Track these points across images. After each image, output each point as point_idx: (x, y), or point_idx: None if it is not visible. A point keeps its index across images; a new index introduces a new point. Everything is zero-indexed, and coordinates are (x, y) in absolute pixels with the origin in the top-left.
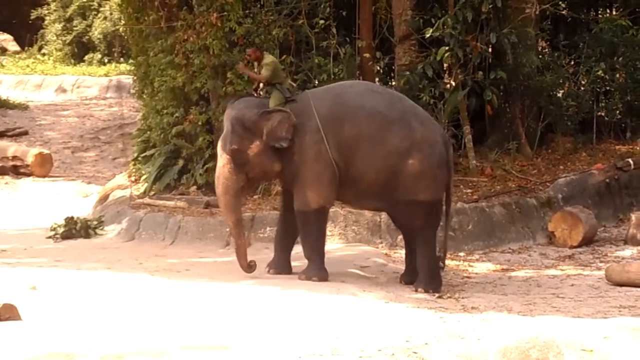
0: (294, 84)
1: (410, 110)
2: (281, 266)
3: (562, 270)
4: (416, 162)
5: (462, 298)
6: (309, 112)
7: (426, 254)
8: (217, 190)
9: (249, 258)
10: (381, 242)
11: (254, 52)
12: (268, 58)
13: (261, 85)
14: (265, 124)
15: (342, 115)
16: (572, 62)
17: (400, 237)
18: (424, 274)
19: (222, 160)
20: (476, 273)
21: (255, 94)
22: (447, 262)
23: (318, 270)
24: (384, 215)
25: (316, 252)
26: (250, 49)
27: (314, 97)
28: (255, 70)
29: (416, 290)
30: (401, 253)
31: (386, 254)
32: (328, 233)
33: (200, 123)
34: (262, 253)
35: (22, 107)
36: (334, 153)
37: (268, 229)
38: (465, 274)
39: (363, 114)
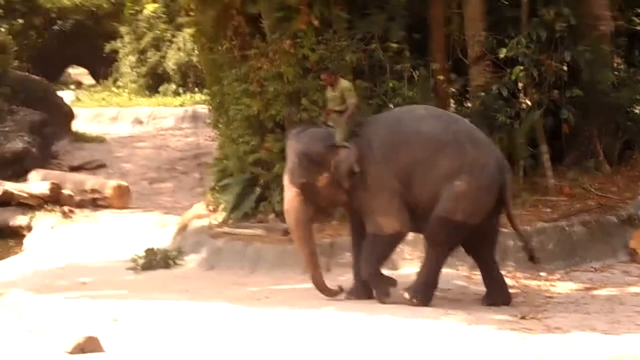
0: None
1: (466, 132)
2: (361, 292)
3: None
4: (463, 184)
5: (545, 318)
6: (369, 142)
7: (430, 268)
8: (289, 223)
9: (329, 284)
10: (461, 265)
11: (328, 77)
12: (345, 83)
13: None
14: (332, 158)
15: (397, 143)
16: None
17: None
18: (419, 282)
19: (291, 193)
20: (558, 293)
21: (323, 123)
22: (529, 282)
23: (384, 294)
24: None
25: (375, 275)
26: (324, 74)
27: (373, 126)
28: (329, 94)
29: (402, 295)
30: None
31: (466, 276)
32: (408, 257)
33: (276, 150)
34: (342, 279)
35: (99, 140)
36: (396, 181)
37: (347, 254)
38: (547, 294)
39: (417, 139)
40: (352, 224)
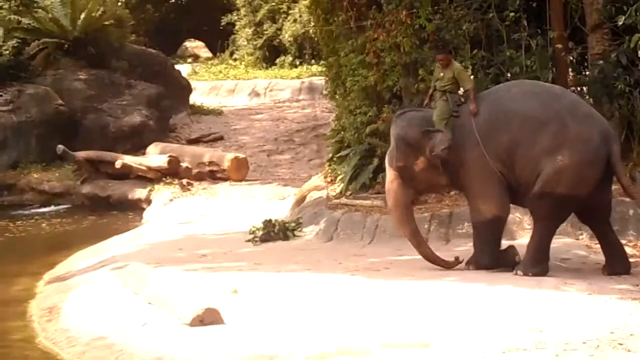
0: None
1: (568, 108)
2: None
3: None
4: (565, 159)
5: None
6: (469, 126)
7: (538, 241)
8: (389, 203)
9: (448, 256)
10: (581, 234)
11: (444, 58)
12: (458, 65)
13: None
14: (427, 142)
15: (497, 124)
16: None
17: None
18: (528, 257)
19: (390, 175)
20: None
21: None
22: None
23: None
24: None
25: (495, 262)
26: (440, 54)
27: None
28: (440, 75)
29: (515, 273)
30: None
31: (587, 245)
32: (527, 227)
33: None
34: (461, 250)
35: (216, 113)
36: (496, 163)
37: (466, 224)
38: None
39: (516, 119)
40: None
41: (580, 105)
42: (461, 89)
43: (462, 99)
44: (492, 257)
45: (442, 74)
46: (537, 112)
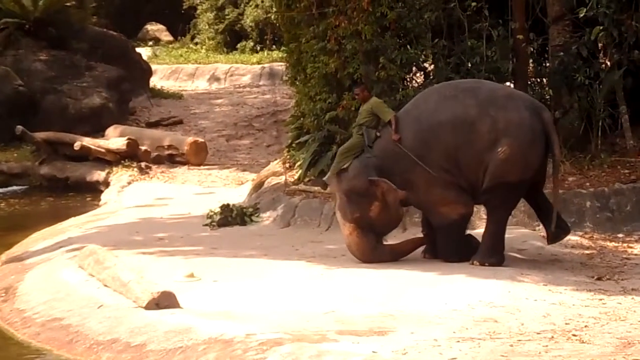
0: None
1: (487, 100)
2: (435, 251)
3: None
4: (506, 148)
5: (622, 280)
6: (400, 152)
7: (493, 231)
8: (357, 257)
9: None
10: (538, 225)
11: (361, 92)
12: (374, 99)
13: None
14: (376, 189)
15: (427, 142)
16: None
17: None
18: (484, 247)
19: (348, 229)
20: (635, 254)
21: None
22: (606, 244)
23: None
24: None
25: (461, 257)
26: (357, 88)
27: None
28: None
29: (472, 263)
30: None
31: (543, 236)
32: (484, 216)
33: (353, 108)
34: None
35: (176, 97)
36: (440, 172)
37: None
38: (624, 256)
39: (445, 129)
40: None
41: (498, 91)
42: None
43: (378, 134)
44: (459, 255)
45: (361, 109)
46: (461, 113)
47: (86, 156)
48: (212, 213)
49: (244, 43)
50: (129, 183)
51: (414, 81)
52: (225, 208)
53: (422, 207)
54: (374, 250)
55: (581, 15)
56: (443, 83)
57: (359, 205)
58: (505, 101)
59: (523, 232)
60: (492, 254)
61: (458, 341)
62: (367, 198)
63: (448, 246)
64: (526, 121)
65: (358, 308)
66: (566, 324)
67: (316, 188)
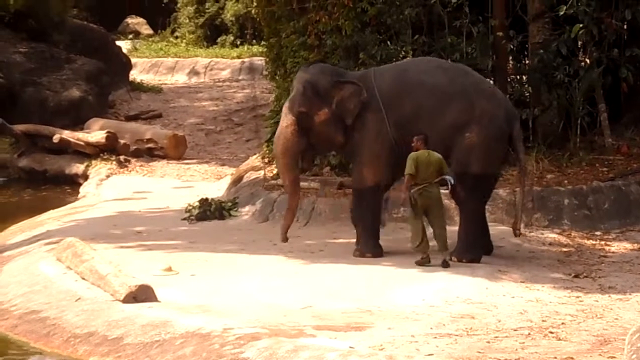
0: None
1: (474, 85)
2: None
3: None
4: (473, 135)
5: (599, 278)
6: (371, 90)
7: (467, 227)
8: (276, 149)
9: (385, 238)
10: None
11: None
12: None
13: None
14: (337, 93)
15: (402, 92)
16: None
17: (536, 215)
18: (461, 244)
19: (287, 120)
20: (613, 252)
21: None
22: (584, 241)
23: (373, 247)
24: (519, 195)
25: (370, 230)
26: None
27: (376, 76)
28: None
29: (450, 259)
30: (536, 233)
31: (521, 233)
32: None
33: None
34: (397, 233)
35: (156, 90)
36: (394, 131)
37: (402, 209)
38: (601, 254)
39: (423, 90)
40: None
41: (484, 84)
42: None
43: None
44: (367, 224)
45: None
46: (445, 85)
47: (65, 149)
48: (191, 207)
49: (224, 37)
50: (108, 176)
51: None
52: (204, 202)
53: (353, 152)
54: (295, 157)
55: (561, 13)
56: (442, 60)
57: (311, 102)
58: (489, 95)
59: (501, 229)
60: (469, 250)
61: (435, 337)
62: (321, 99)
63: (363, 215)
64: (499, 118)
65: (336, 303)
66: (543, 321)
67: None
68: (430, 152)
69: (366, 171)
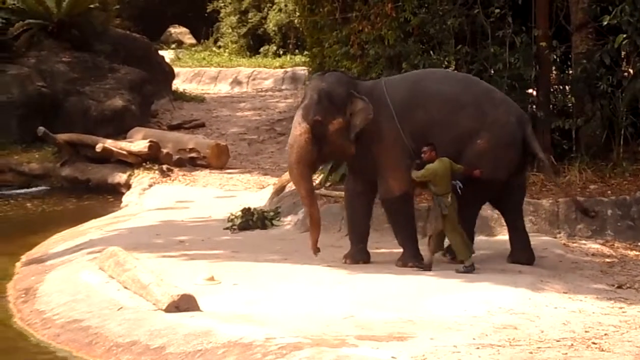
0: None
1: (485, 93)
2: (358, 255)
3: None
4: (483, 142)
5: None
6: (384, 100)
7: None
8: (290, 158)
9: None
10: (559, 232)
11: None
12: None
13: None
14: (349, 105)
15: (415, 103)
16: None
17: (579, 226)
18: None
19: (301, 129)
20: None
21: None
22: (627, 252)
23: (413, 257)
24: (562, 205)
25: (409, 239)
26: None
27: (388, 86)
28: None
29: (444, 255)
30: (579, 243)
31: (564, 244)
32: (505, 223)
33: None
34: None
35: (199, 100)
36: (409, 140)
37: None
38: None
39: (436, 100)
40: (353, 183)
41: (495, 92)
42: None
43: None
44: (407, 235)
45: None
46: (457, 94)
47: (108, 158)
48: (233, 216)
49: (266, 47)
50: (150, 186)
51: None
52: (246, 212)
53: (376, 163)
54: (309, 166)
55: (604, 23)
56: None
57: (326, 111)
58: (500, 102)
59: (544, 240)
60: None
61: (477, 348)
62: (336, 109)
63: (398, 225)
64: (511, 125)
65: (378, 313)
66: (586, 331)
67: (337, 193)
68: (443, 161)
69: (392, 182)
